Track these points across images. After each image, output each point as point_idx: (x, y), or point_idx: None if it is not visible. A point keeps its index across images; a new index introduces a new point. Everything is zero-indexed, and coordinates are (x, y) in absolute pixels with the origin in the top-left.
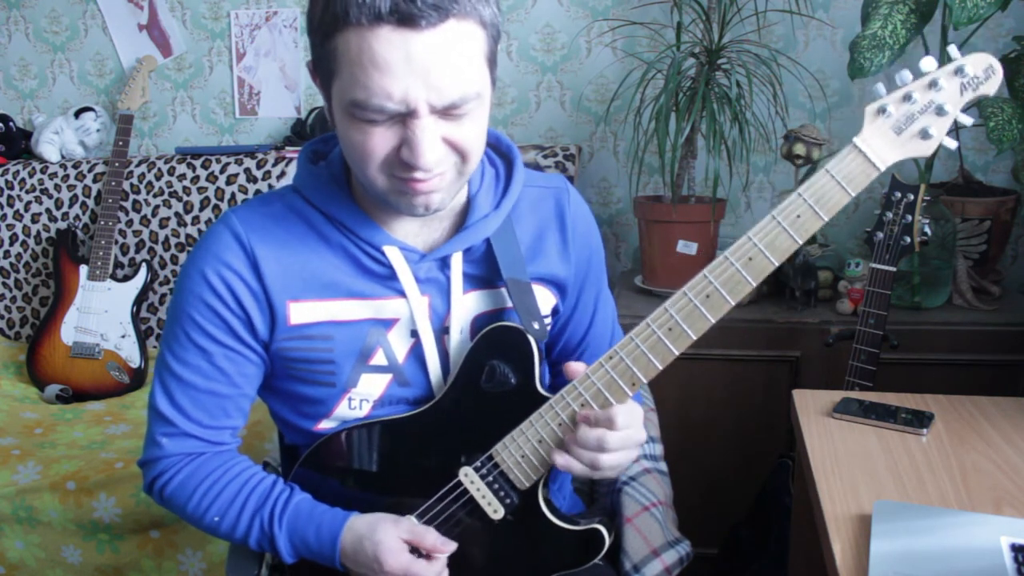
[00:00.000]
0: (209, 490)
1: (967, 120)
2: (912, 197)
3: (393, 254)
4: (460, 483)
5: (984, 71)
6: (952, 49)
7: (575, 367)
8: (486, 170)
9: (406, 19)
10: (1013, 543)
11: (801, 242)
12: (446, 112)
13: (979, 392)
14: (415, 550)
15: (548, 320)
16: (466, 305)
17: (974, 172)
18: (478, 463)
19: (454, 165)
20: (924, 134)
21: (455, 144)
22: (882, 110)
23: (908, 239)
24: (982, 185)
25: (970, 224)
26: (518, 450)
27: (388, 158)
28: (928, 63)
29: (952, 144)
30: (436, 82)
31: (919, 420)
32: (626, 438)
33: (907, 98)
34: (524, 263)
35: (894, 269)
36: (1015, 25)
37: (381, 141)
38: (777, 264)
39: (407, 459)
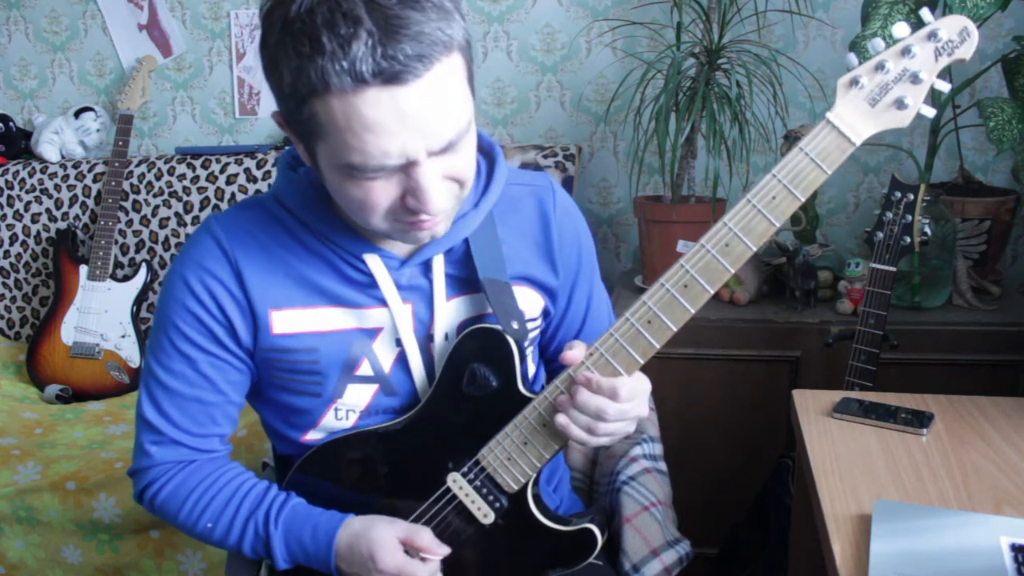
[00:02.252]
0: (202, 496)
1: (944, 86)
2: (912, 197)
3: (373, 262)
4: (449, 489)
5: (959, 34)
6: (924, 12)
7: (572, 355)
8: None
9: (391, 78)
10: (1013, 543)
11: (778, 224)
12: (443, 151)
13: (979, 392)
14: (410, 552)
15: (538, 322)
16: (450, 311)
17: (974, 172)
18: (465, 468)
19: (454, 194)
20: (900, 104)
21: (454, 177)
22: (854, 81)
23: (908, 239)
24: (982, 185)
25: (970, 224)
26: (504, 453)
27: (392, 208)
28: (901, 29)
29: (930, 112)
30: (432, 129)
31: (919, 420)
32: (626, 411)
33: (880, 67)
34: (504, 263)
35: (894, 269)
36: (1015, 25)
37: (383, 194)
38: (755, 249)
39: (396, 467)
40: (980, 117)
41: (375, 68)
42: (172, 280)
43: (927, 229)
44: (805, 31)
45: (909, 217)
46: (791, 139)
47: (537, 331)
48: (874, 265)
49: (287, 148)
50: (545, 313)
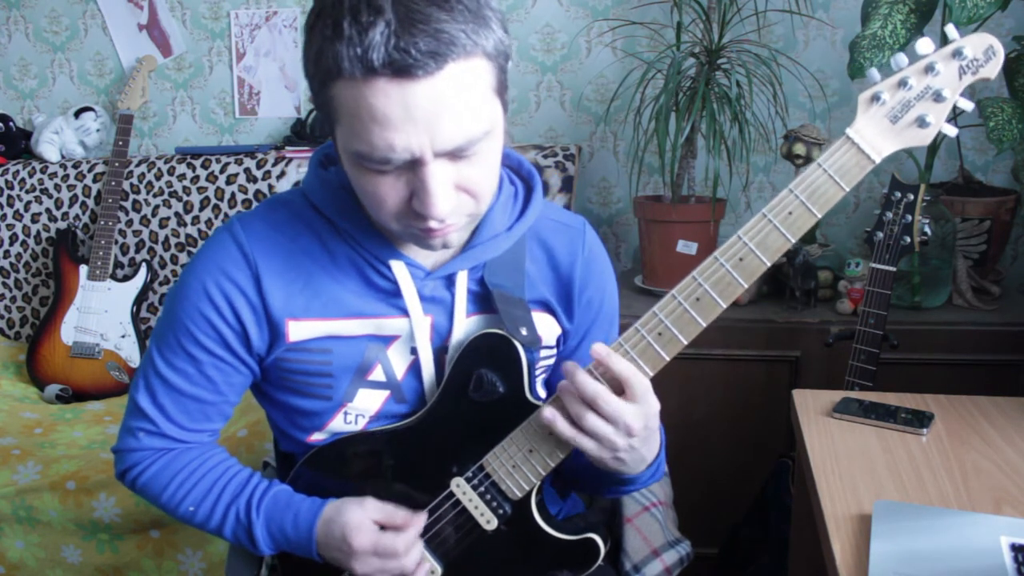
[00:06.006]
0: (185, 481)
1: (967, 105)
2: (912, 197)
3: (399, 270)
4: (452, 494)
5: (984, 53)
6: (950, 29)
7: (598, 347)
8: (504, 187)
9: (401, 70)
10: (1013, 543)
11: (794, 240)
12: (454, 155)
13: (979, 392)
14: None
15: (553, 350)
16: (469, 326)
17: (974, 172)
18: (469, 473)
19: (467, 207)
20: (921, 122)
21: (466, 187)
22: (876, 97)
23: (908, 239)
24: (982, 185)
25: (970, 224)
26: (509, 460)
27: (400, 207)
28: (925, 45)
29: (952, 131)
30: (439, 130)
31: (919, 420)
32: (622, 412)
33: (902, 84)
34: (524, 284)
35: (894, 269)
36: (1015, 25)
37: (391, 191)
38: (769, 264)
39: (401, 469)
40: (980, 117)
41: (386, 59)
42: (189, 280)
43: (927, 229)
44: (805, 31)
45: (909, 217)
46: (791, 139)
47: (553, 359)
48: (874, 265)
49: (320, 146)
50: (559, 343)
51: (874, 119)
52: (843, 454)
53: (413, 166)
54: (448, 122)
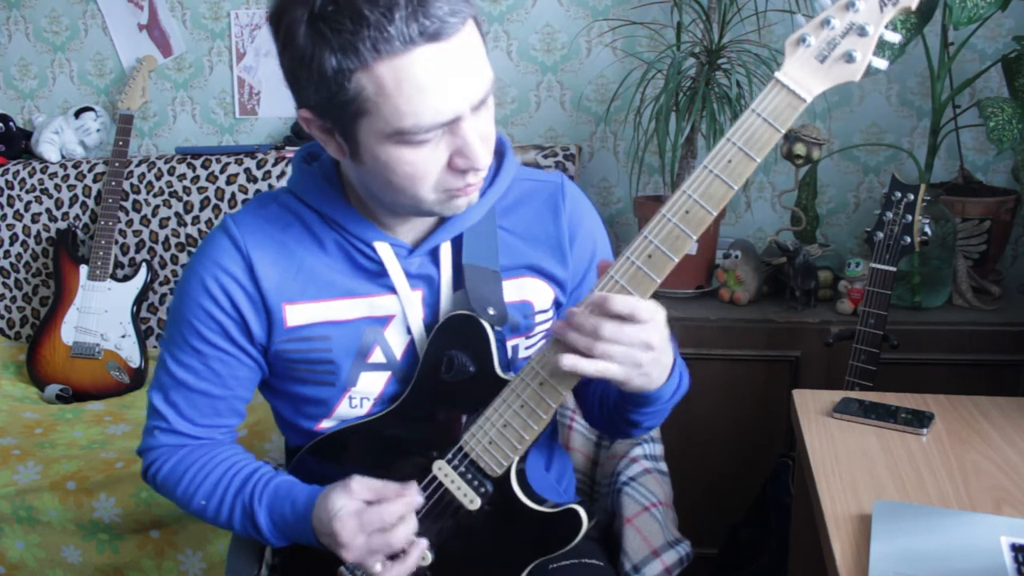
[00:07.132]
0: (196, 476)
1: (894, 37)
2: (912, 197)
3: (383, 250)
4: (435, 477)
5: None
6: None
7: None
8: None
9: (435, 35)
10: (1013, 543)
11: (736, 187)
12: (477, 107)
13: (979, 392)
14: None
15: (548, 313)
16: (458, 301)
17: (974, 172)
18: (450, 455)
19: (488, 155)
20: (848, 57)
21: (484, 137)
22: (802, 40)
23: (908, 239)
24: (982, 185)
25: (970, 224)
26: (484, 437)
27: (441, 174)
28: None
29: (882, 64)
30: (472, 82)
31: (919, 420)
32: (627, 333)
33: (825, 23)
34: (496, 254)
35: (894, 269)
36: (1015, 25)
37: (432, 158)
38: (715, 213)
39: (386, 456)
40: (980, 117)
41: (420, 28)
42: (188, 277)
43: (927, 229)
44: None
45: (909, 217)
46: (791, 139)
47: (549, 323)
48: (874, 265)
49: (303, 145)
50: (557, 304)
51: (801, 60)
52: (843, 454)
53: (452, 127)
54: (476, 74)
